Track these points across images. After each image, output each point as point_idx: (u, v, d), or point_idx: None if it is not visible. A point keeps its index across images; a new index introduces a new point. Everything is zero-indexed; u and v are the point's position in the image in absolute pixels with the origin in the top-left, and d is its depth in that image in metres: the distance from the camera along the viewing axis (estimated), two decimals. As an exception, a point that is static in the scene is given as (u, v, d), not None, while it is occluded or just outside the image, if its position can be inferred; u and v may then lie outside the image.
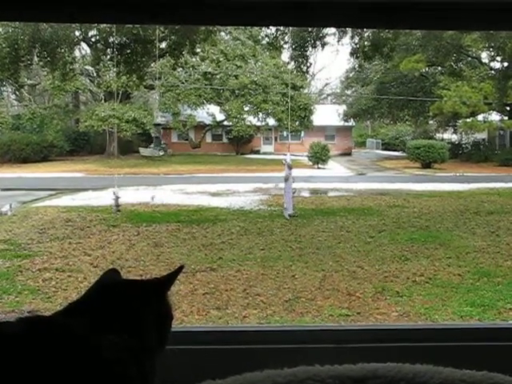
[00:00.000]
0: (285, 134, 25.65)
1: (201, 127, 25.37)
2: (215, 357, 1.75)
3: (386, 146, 29.66)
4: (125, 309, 1.16)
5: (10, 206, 13.30)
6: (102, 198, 14.38)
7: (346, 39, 15.36)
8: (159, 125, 24.45)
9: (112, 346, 1.08)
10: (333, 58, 25.93)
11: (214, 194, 15.76)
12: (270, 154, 26.22)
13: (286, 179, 13.16)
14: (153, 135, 25.58)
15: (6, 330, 1.10)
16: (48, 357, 1.03)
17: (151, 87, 23.24)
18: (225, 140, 26.86)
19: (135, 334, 1.14)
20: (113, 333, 1.10)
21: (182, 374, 1.57)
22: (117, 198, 13.01)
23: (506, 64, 21.04)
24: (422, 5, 1.74)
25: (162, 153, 24.68)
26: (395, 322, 7.04)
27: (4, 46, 14.01)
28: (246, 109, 23.08)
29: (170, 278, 1.23)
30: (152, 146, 25.56)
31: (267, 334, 1.86)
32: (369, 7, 1.74)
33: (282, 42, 16.24)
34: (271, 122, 23.64)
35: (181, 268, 1.26)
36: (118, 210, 12.95)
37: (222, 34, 22.40)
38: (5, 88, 21.01)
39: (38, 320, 1.14)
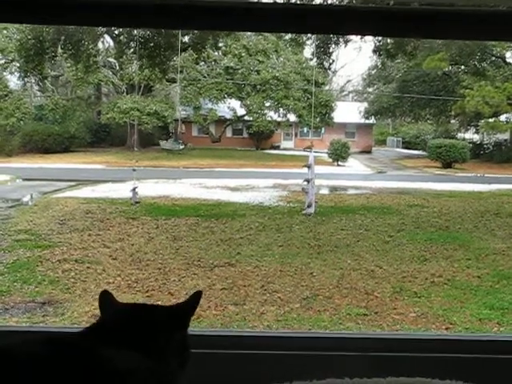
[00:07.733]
0: (305, 130, 25.60)
1: (221, 122, 25.38)
2: (233, 363, 1.74)
3: (407, 145, 29.47)
4: (146, 332, 1.19)
5: (31, 197, 13.44)
6: (122, 191, 14.47)
7: (369, 36, 15.26)
8: (179, 120, 24.47)
9: (126, 358, 1.12)
10: (355, 55, 25.77)
11: (233, 189, 15.78)
12: (290, 149, 26.20)
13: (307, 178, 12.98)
14: (178, 131, 25.61)
15: (31, 349, 1.13)
16: (69, 374, 1.07)
17: (173, 80, 23.29)
18: (245, 135, 26.86)
19: (155, 355, 1.16)
20: (130, 349, 1.14)
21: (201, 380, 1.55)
22: (135, 191, 13.03)
23: (530, 64, 20.81)
24: (446, 15, 1.72)
25: (182, 146, 24.74)
26: (412, 322, 7.01)
27: (29, 37, 14.19)
28: (267, 104, 23.05)
29: (193, 305, 1.27)
30: (172, 139, 25.61)
31: (290, 341, 1.85)
32: (390, 15, 1.72)
33: (305, 38, 16.21)
34: (292, 117, 23.61)
35: (199, 294, 1.28)
36: (137, 202, 12.99)
37: (245, 28, 22.32)
38: (28, 79, 21.17)
39: (62, 341, 1.18)
